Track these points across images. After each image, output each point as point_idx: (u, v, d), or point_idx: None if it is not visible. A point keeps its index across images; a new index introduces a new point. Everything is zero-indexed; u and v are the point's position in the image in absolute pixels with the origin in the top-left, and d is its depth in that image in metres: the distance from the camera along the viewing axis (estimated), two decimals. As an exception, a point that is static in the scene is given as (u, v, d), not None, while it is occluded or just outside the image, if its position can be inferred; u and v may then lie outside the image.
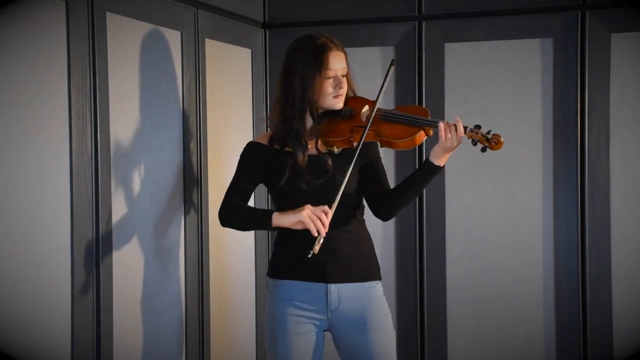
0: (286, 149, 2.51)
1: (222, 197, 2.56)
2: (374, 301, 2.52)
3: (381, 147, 2.53)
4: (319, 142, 2.50)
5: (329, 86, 2.47)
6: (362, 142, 2.42)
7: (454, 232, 3.51)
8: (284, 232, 2.53)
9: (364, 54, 3.55)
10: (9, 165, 2.24)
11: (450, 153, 2.44)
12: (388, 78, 2.51)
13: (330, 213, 2.36)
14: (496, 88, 3.44)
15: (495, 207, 3.46)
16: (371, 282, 2.54)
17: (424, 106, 3.47)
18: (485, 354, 3.48)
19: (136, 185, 2.76)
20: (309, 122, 2.51)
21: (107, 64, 2.60)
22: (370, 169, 2.56)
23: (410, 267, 3.52)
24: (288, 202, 2.48)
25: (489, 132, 2.38)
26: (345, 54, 2.51)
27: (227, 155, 3.36)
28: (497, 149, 2.37)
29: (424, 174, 2.49)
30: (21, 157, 2.28)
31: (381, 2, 3.54)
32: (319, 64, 2.44)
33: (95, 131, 2.55)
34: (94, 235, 2.55)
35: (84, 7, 2.51)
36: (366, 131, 2.43)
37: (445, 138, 2.38)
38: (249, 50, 3.54)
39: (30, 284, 2.30)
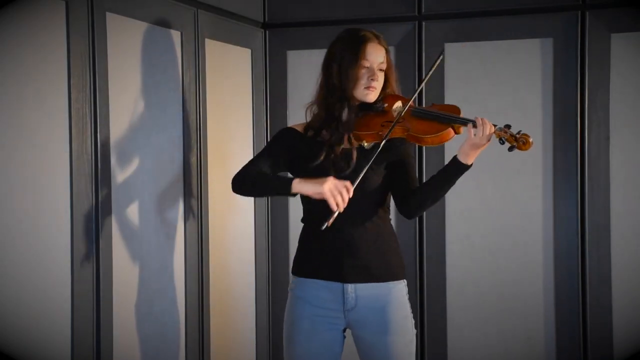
0: (318, 138, 2.51)
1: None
2: (393, 302, 2.47)
3: (409, 142, 2.50)
4: (351, 135, 2.49)
5: (363, 76, 2.46)
6: (387, 136, 2.40)
7: (454, 232, 3.51)
8: (307, 229, 2.54)
9: (364, 54, 3.55)
10: (8, 165, 2.23)
11: (479, 151, 2.40)
12: (431, 72, 2.52)
13: (351, 190, 2.33)
14: (496, 88, 3.44)
15: (496, 208, 3.46)
16: (391, 282, 2.49)
17: (424, 106, 3.48)
18: (485, 354, 3.48)
19: (136, 185, 2.76)
20: (346, 113, 2.49)
21: (107, 64, 2.60)
22: (400, 166, 2.52)
23: (411, 268, 3.52)
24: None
25: (518, 132, 2.36)
26: (386, 49, 2.51)
27: (227, 155, 3.36)
28: (526, 149, 2.33)
29: (451, 172, 2.45)
30: (21, 157, 2.28)
31: (381, 2, 3.54)
32: (356, 52, 2.45)
33: (95, 131, 2.55)
34: (94, 235, 2.55)
35: (84, 7, 2.51)
36: (394, 126, 2.41)
37: (474, 134, 2.36)
38: (249, 50, 3.54)
39: (30, 284, 2.30)
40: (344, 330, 2.54)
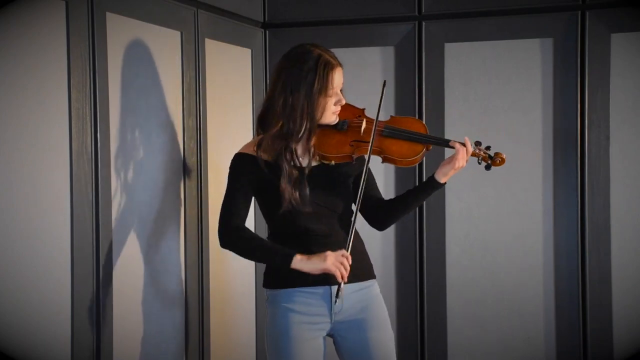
0: (273, 159, 2.45)
1: (222, 197, 2.53)
2: (374, 300, 2.54)
3: (382, 163, 2.52)
4: (315, 155, 2.48)
5: (332, 104, 2.46)
6: (369, 159, 2.46)
7: (454, 232, 3.51)
8: (293, 239, 2.48)
9: (363, 54, 3.55)
10: (8, 165, 2.23)
11: (456, 172, 2.51)
12: (383, 97, 2.52)
13: (349, 257, 2.39)
14: (496, 88, 3.44)
15: (495, 207, 3.46)
16: (369, 281, 2.56)
17: (422, 105, 3.48)
18: (485, 354, 3.48)
19: (136, 185, 2.76)
20: (310, 135, 2.46)
21: (107, 64, 2.60)
22: (359, 179, 2.51)
23: (411, 268, 3.52)
24: (282, 213, 2.44)
25: (488, 148, 2.52)
26: (341, 67, 2.48)
27: (227, 155, 3.36)
28: (501, 165, 2.50)
29: (427, 190, 2.56)
30: (21, 157, 2.28)
31: (381, 2, 3.54)
32: (325, 82, 2.41)
33: (95, 131, 2.55)
34: (94, 235, 2.55)
35: (84, 7, 2.51)
36: (371, 149, 2.43)
37: (459, 158, 2.46)
38: (249, 50, 3.54)
39: (30, 284, 2.30)
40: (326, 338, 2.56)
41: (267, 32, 3.66)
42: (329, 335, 2.54)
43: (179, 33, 3.01)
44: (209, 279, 3.19)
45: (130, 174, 2.73)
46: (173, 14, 2.98)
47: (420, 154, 2.47)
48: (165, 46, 2.93)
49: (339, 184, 2.52)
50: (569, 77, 3.35)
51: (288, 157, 2.44)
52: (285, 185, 2.42)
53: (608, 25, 3.28)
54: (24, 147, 2.28)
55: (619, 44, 3.28)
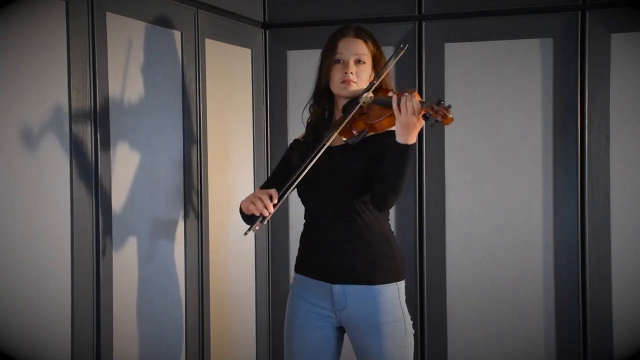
0: (310, 139, 2.55)
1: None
2: (382, 306, 2.43)
3: (369, 133, 2.44)
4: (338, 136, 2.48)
5: (337, 71, 2.48)
6: (342, 126, 2.40)
7: (454, 232, 3.51)
8: (305, 226, 2.57)
9: (364, 54, 3.55)
10: (8, 165, 2.23)
11: (414, 130, 2.28)
12: (393, 61, 2.46)
13: (276, 195, 2.33)
14: (496, 88, 3.44)
15: (495, 207, 3.46)
16: (379, 285, 2.44)
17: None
18: (485, 354, 3.48)
19: (136, 185, 2.76)
20: (327, 110, 2.54)
21: (107, 64, 2.60)
22: (373, 163, 2.45)
23: (410, 267, 3.52)
24: (304, 194, 2.52)
25: (438, 103, 2.22)
26: (370, 42, 2.49)
27: (227, 155, 3.36)
28: (446, 123, 2.20)
29: (394, 156, 2.32)
30: (21, 157, 2.28)
31: (381, 2, 3.54)
32: (330, 48, 2.50)
33: (95, 131, 2.55)
34: (94, 235, 2.55)
35: (84, 7, 2.51)
36: (351, 115, 2.39)
37: (400, 112, 2.26)
38: (249, 50, 3.54)
39: (30, 284, 2.30)
40: (341, 329, 2.54)
41: (267, 32, 3.66)
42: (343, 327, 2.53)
43: (179, 33, 3.01)
44: (208, 279, 3.19)
45: (130, 174, 2.73)
46: (173, 14, 2.98)
47: (388, 114, 2.34)
48: (165, 46, 2.93)
49: (351, 163, 2.46)
50: (569, 77, 3.35)
51: (319, 133, 2.51)
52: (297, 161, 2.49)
53: (608, 25, 3.28)
54: (24, 147, 2.28)
55: (619, 44, 3.28)
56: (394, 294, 2.46)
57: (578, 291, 3.37)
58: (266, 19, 3.65)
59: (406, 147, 2.30)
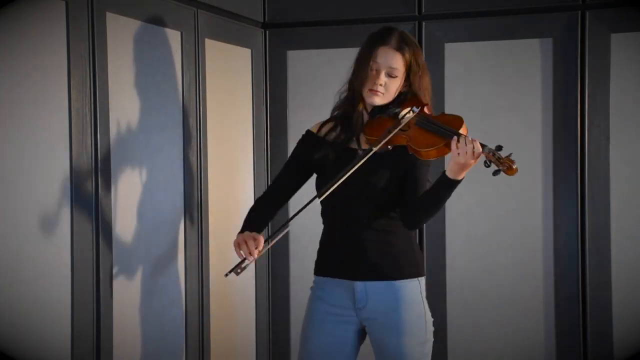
0: (327, 136, 2.53)
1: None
2: (404, 302, 2.44)
3: (410, 153, 2.42)
4: (363, 137, 2.47)
5: (370, 78, 2.44)
6: (382, 143, 2.35)
7: (454, 232, 3.51)
8: (324, 228, 2.57)
9: (364, 54, 3.55)
10: (9, 165, 2.23)
11: (467, 169, 2.30)
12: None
13: (261, 241, 2.34)
14: (496, 88, 3.44)
15: (496, 208, 3.46)
16: (401, 281, 2.45)
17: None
18: (485, 354, 3.48)
19: (136, 185, 2.76)
20: (356, 113, 2.49)
21: (107, 64, 2.60)
22: (407, 175, 2.46)
23: (410, 267, 3.52)
24: (330, 199, 2.46)
25: (499, 148, 2.25)
26: (404, 55, 2.44)
27: (227, 155, 3.36)
28: (511, 174, 2.23)
29: (440, 187, 2.37)
30: (21, 157, 2.28)
31: (381, 2, 3.54)
32: (368, 53, 2.45)
33: (95, 131, 2.55)
34: (94, 236, 2.55)
35: (84, 7, 2.51)
36: (393, 133, 2.35)
37: (459, 153, 2.27)
38: (249, 50, 3.54)
39: (30, 284, 2.30)
40: (361, 331, 2.53)
41: (267, 32, 3.66)
42: (364, 329, 2.52)
43: (179, 33, 3.01)
44: (209, 279, 3.19)
45: (130, 174, 2.73)
46: (173, 14, 2.98)
47: (438, 145, 2.32)
48: (165, 46, 2.93)
49: (375, 171, 2.44)
50: (569, 77, 3.35)
51: (339, 132, 2.50)
52: (321, 160, 2.50)
53: (608, 25, 3.28)
54: (24, 147, 2.28)
55: (619, 44, 3.28)
56: (416, 289, 2.48)
57: (578, 291, 3.37)
58: (266, 19, 3.65)
59: (455, 182, 2.34)
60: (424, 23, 3.50)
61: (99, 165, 2.56)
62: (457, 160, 2.28)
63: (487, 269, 3.47)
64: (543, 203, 3.40)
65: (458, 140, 2.28)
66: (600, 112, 3.31)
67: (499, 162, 2.23)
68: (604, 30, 3.29)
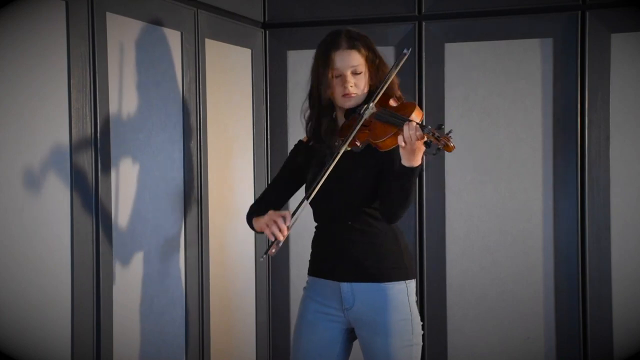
0: (311, 143, 2.57)
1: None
2: (390, 304, 2.44)
3: (372, 147, 2.41)
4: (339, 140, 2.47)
5: (337, 85, 2.45)
6: (346, 143, 2.35)
7: (454, 232, 3.51)
8: (316, 229, 2.59)
9: (364, 54, 3.55)
10: (8, 165, 2.23)
11: (417, 153, 2.26)
12: (395, 70, 2.43)
13: (289, 217, 2.34)
14: (496, 88, 3.44)
15: (495, 207, 3.46)
16: (387, 283, 2.45)
17: (423, 105, 3.48)
18: (485, 354, 3.48)
19: (136, 185, 2.76)
20: (325, 121, 2.50)
21: (107, 64, 2.60)
22: (382, 172, 2.46)
23: (410, 267, 3.52)
24: (313, 199, 2.47)
25: (439, 127, 2.21)
26: (359, 50, 2.44)
27: (227, 155, 3.36)
28: (448, 151, 2.18)
29: (400, 177, 2.34)
30: (21, 157, 2.28)
31: (381, 2, 3.54)
32: (325, 62, 2.45)
33: (95, 131, 2.55)
34: (94, 235, 2.55)
35: (84, 7, 2.51)
36: (353, 133, 2.35)
37: (404, 139, 2.23)
38: (249, 50, 3.54)
39: (30, 284, 2.30)
40: (351, 331, 2.54)
41: (267, 32, 3.66)
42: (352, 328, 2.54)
43: (179, 33, 3.01)
44: (209, 278, 3.19)
45: (130, 174, 2.73)
46: (173, 14, 2.98)
47: (390, 134, 2.30)
48: (165, 46, 2.93)
49: (356, 170, 2.46)
50: (569, 77, 3.35)
51: (322, 139, 2.51)
52: (311, 169, 2.53)
53: (608, 25, 3.28)
54: (24, 147, 2.28)
55: (619, 44, 3.28)
56: (402, 292, 2.46)
57: (578, 291, 3.37)
58: (266, 19, 3.65)
59: (412, 170, 2.31)
60: (424, 23, 3.50)
61: (99, 165, 2.56)
62: (403, 146, 2.24)
63: (487, 269, 3.47)
64: (543, 203, 3.40)
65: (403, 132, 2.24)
66: (600, 112, 3.31)
67: (437, 140, 2.19)
68: (604, 30, 3.29)
